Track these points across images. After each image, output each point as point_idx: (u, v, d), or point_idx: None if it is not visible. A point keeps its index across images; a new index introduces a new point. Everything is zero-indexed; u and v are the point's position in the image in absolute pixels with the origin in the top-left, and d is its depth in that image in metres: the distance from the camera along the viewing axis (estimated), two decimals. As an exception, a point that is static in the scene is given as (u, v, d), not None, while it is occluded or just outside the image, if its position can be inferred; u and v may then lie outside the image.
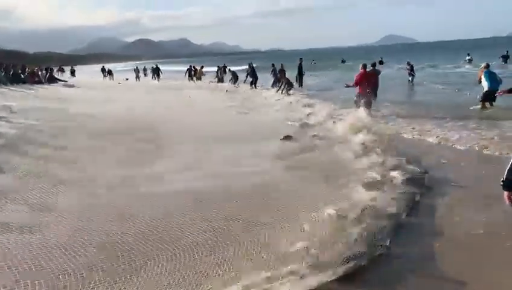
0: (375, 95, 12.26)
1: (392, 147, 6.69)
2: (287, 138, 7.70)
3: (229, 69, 26.30)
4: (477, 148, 6.57)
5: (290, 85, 16.63)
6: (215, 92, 18.55)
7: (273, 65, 20.32)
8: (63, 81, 22.84)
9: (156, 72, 32.95)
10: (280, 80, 17.31)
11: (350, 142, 7.06)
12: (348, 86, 12.12)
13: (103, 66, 37.52)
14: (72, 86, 20.36)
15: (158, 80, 30.72)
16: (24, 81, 15.96)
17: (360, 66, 12.09)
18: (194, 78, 27.74)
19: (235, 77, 22.61)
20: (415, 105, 12.72)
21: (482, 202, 4.13)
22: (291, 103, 13.58)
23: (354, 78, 11.53)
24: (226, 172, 5.36)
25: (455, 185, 4.81)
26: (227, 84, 21.89)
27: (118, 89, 21.23)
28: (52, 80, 20.73)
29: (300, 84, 19.62)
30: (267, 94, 16.62)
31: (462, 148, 6.69)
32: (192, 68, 28.84)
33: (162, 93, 18.12)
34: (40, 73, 20.86)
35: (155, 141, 7.47)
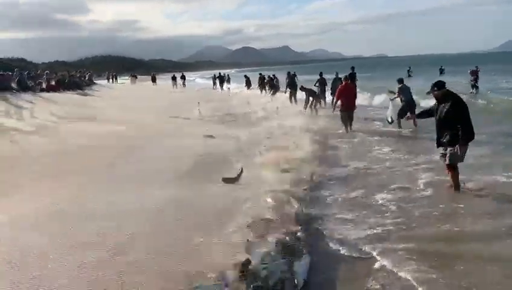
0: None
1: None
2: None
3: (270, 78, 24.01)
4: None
5: (315, 97, 14.95)
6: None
7: (320, 74, 17.90)
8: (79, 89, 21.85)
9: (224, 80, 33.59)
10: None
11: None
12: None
13: (173, 75, 39.49)
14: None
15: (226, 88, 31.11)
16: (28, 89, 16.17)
17: (343, 77, 12.13)
18: (266, 88, 24.09)
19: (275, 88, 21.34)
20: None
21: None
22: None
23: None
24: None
25: None
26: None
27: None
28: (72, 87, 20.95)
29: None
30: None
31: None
32: (267, 77, 24.88)
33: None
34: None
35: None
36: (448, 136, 5.74)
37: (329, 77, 18.12)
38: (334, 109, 12.01)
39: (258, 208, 5.05)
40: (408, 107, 10.97)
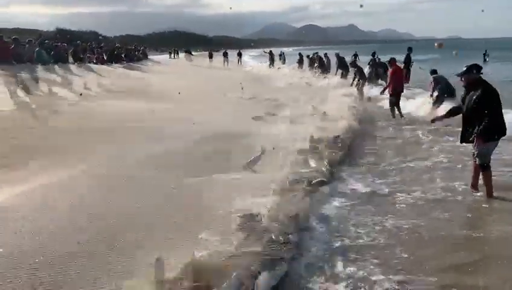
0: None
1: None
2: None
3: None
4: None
5: (363, 78, 14.26)
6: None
7: (373, 54, 17.41)
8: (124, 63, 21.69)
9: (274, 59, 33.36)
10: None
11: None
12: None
13: (225, 51, 38.86)
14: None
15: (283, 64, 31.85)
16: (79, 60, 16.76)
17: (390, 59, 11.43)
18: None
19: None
20: None
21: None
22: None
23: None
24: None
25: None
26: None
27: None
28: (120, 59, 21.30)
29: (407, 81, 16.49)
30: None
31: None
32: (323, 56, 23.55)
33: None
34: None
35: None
36: (476, 130, 5.03)
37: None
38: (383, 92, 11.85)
39: (259, 201, 4.71)
40: (446, 94, 10.70)
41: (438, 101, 10.91)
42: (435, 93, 11.08)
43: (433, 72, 11.67)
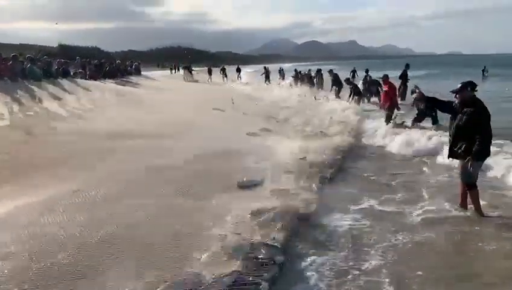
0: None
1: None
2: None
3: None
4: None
5: (359, 95, 14.27)
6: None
7: (366, 71, 17.62)
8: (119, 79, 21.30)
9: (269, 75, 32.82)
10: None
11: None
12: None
13: (223, 66, 38.66)
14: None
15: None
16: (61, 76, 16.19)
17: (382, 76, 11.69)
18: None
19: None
20: None
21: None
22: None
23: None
24: None
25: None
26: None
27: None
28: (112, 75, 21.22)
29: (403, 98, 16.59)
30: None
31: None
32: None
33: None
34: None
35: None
36: (464, 147, 4.96)
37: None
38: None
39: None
40: (429, 110, 10.50)
41: (420, 117, 10.90)
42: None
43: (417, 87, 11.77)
